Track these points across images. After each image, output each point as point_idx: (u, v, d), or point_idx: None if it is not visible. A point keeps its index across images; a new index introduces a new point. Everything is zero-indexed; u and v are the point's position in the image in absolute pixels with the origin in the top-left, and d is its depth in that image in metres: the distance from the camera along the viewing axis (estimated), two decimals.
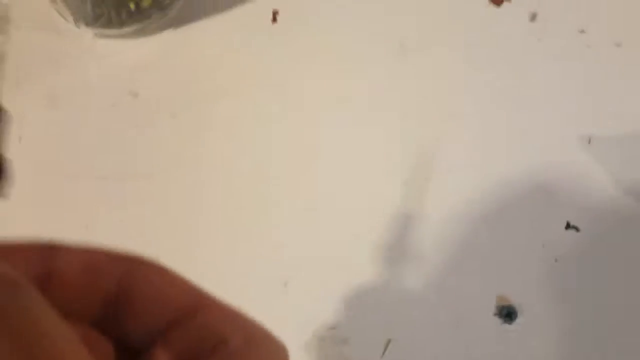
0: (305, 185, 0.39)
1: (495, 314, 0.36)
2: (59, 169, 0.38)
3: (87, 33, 0.41)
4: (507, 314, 0.36)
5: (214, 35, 0.42)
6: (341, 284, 0.36)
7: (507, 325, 0.36)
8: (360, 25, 0.43)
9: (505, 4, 0.44)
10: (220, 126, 0.40)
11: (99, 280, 0.14)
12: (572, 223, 0.37)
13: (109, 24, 0.39)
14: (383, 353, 0.36)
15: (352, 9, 0.43)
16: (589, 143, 0.40)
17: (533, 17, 0.44)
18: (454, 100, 0.41)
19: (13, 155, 0.39)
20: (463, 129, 0.40)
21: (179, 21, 0.42)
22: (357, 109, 0.40)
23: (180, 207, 0.38)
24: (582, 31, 0.43)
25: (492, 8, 0.44)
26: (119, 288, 0.14)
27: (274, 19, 0.43)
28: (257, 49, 0.42)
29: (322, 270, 0.37)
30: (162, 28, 0.42)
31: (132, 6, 0.38)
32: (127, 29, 0.41)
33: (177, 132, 0.39)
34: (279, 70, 0.41)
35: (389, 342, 0.36)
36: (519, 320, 0.36)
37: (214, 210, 0.38)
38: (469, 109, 0.41)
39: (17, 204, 0.37)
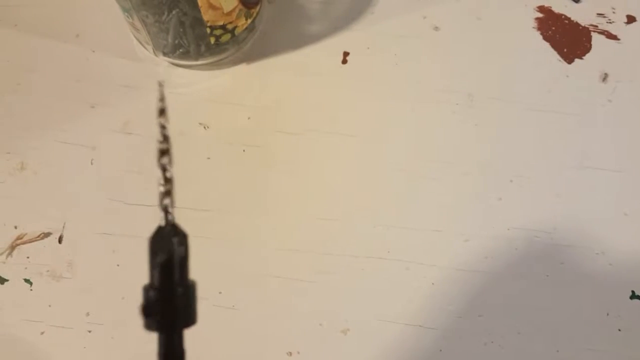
0: (369, 229, 0.39)
1: None
2: (126, 194, 0.39)
3: (162, 62, 0.42)
4: None
5: (285, 72, 0.43)
6: (399, 336, 0.36)
7: None
8: (430, 74, 0.43)
9: (576, 61, 0.44)
10: (287, 163, 0.40)
11: None
12: (637, 293, 0.37)
13: (186, 55, 0.40)
14: None
15: (424, 58, 0.44)
16: None
17: (604, 78, 0.44)
18: (518, 158, 0.41)
19: (84, 178, 0.40)
20: (526, 185, 0.40)
21: (252, 56, 0.43)
22: (420, 154, 0.41)
23: (241, 244, 0.38)
24: None
25: (564, 64, 0.44)
26: None
27: (344, 61, 0.44)
28: (326, 87, 0.43)
29: (378, 325, 0.37)
30: (235, 62, 0.43)
31: (212, 41, 0.39)
32: (202, 61, 0.41)
33: (245, 166, 0.40)
34: (347, 111, 0.42)
35: None
36: None
37: (275, 249, 0.38)
38: (532, 164, 0.41)
39: (85, 226, 0.38)
